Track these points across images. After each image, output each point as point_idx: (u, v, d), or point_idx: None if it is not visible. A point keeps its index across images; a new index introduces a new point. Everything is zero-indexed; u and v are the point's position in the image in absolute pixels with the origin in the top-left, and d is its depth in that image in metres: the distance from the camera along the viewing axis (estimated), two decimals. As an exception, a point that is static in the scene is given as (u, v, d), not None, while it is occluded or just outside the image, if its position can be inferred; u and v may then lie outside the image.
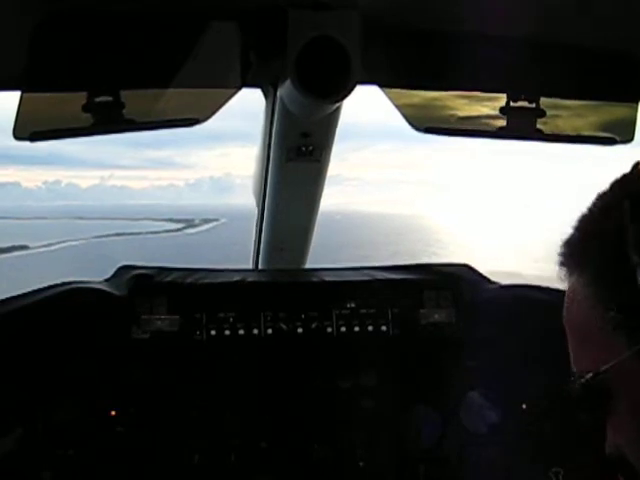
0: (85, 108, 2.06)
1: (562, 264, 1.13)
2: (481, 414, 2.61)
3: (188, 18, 2.00)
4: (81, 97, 2.05)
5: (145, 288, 2.60)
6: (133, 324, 2.54)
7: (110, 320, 2.51)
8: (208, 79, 2.24)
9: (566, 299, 1.14)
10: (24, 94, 1.99)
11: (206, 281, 2.68)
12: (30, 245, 41.11)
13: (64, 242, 44.94)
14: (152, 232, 56.26)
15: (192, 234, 57.73)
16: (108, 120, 2.14)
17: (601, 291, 1.04)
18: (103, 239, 49.16)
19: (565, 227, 1.12)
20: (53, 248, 42.29)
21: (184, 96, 2.28)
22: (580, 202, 1.14)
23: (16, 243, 39.71)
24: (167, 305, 2.58)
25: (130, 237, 51.03)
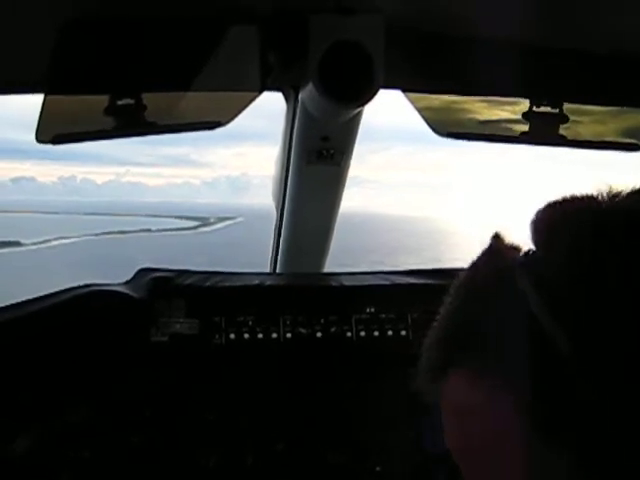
0: (107, 111, 2.06)
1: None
2: None
3: (210, 22, 1.99)
4: (103, 100, 2.06)
5: (164, 291, 2.60)
6: (152, 327, 2.55)
7: (129, 323, 2.51)
8: (230, 82, 2.23)
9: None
10: (47, 97, 1.99)
11: (225, 284, 2.68)
12: (23, 241, 38.24)
13: (63, 239, 42.01)
14: (163, 230, 54.70)
15: (207, 232, 56.82)
16: (130, 123, 2.14)
17: None
18: (106, 236, 46.73)
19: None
20: (49, 245, 39.47)
21: (206, 99, 2.28)
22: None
23: (6, 239, 36.93)
24: (186, 308, 2.58)
25: (138, 234, 49.05)
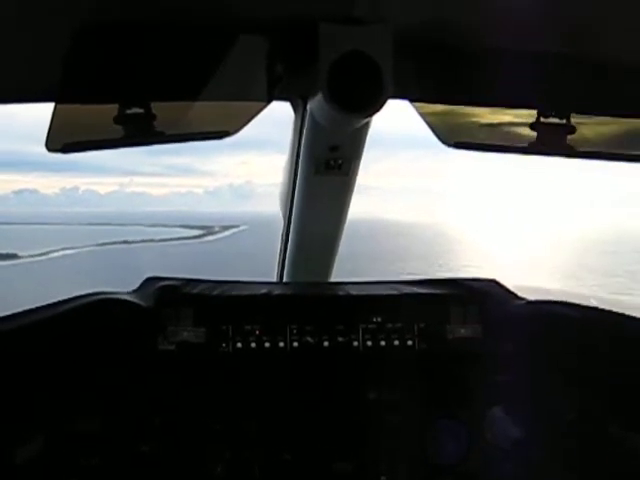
0: (116, 120, 2.08)
1: None
2: (505, 430, 2.59)
3: (219, 31, 2.00)
4: (113, 109, 2.07)
5: (172, 299, 2.61)
6: (159, 335, 2.55)
7: (137, 331, 2.52)
8: (238, 92, 2.24)
9: None
10: (57, 106, 2.00)
11: (232, 293, 2.69)
12: (20, 254, 36.46)
13: (61, 250, 40.47)
14: (166, 239, 54.00)
15: (211, 241, 56.13)
16: (139, 132, 2.15)
17: None
18: (110, 247, 45.70)
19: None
20: (47, 257, 37.82)
21: (214, 109, 2.29)
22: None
23: (3, 251, 35.61)
24: (193, 317, 2.59)
25: (140, 245, 48.24)
